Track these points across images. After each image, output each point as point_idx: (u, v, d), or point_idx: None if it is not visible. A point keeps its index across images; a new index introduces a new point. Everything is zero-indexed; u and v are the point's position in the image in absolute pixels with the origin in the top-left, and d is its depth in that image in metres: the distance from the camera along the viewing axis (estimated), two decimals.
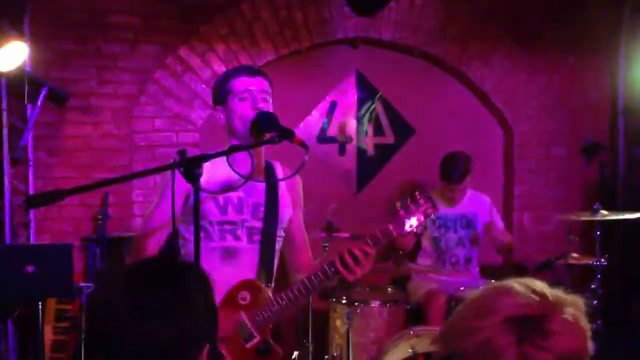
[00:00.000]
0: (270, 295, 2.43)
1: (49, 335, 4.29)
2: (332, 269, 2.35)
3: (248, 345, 2.36)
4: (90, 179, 4.57)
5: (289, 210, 2.56)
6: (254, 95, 2.42)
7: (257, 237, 2.46)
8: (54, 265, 3.93)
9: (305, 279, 2.39)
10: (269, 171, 2.55)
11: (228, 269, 2.40)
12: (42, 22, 4.53)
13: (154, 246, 2.38)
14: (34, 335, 4.19)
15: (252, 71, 2.48)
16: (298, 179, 2.59)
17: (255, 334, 2.36)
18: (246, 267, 2.43)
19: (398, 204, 2.40)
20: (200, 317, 1.37)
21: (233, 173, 2.36)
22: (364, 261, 2.33)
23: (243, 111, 2.42)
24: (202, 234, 2.37)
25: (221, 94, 2.47)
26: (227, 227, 2.43)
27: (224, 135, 2.54)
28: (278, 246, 2.54)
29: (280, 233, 2.54)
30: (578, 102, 5.64)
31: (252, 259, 2.45)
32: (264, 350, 2.36)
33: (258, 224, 2.46)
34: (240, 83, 2.44)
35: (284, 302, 2.38)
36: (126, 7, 4.78)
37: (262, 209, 2.48)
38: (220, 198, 2.43)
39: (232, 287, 2.38)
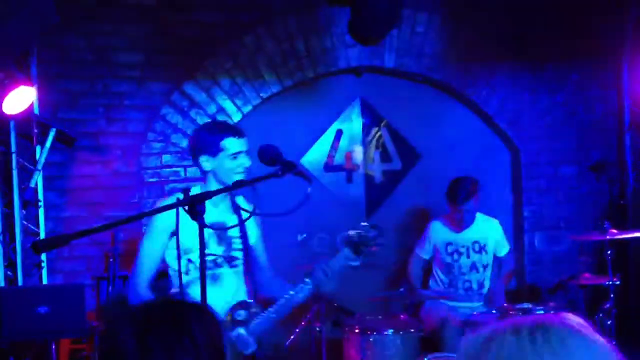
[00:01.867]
0: (261, 310, 2.87)
1: None
2: (308, 284, 2.85)
3: (247, 353, 2.78)
4: (101, 217, 4.61)
5: (254, 234, 3.05)
6: (242, 154, 2.86)
7: (236, 262, 2.95)
8: (66, 305, 3.96)
9: (286, 295, 2.86)
10: (235, 206, 3.01)
11: (215, 292, 2.74)
12: (49, 63, 4.61)
13: (148, 283, 2.87)
14: None
15: (241, 133, 2.90)
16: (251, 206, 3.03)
17: (252, 344, 2.79)
18: (232, 287, 2.91)
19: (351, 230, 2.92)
20: (202, 353, 1.39)
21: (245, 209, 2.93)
22: (333, 276, 2.86)
23: (233, 168, 2.84)
24: (191, 266, 2.85)
25: (213, 148, 2.85)
26: (210, 258, 2.83)
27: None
28: (254, 268, 3.03)
29: (253, 259, 3.03)
30: (584, 119, 5.64)
31: (237, 280, 2.95)
32: (261, 357, 2.84)
33: (235, 253, 2.95)
34: (234, 144, 2.85)
35: (273, 315, 2.83)
36: (131, 44, 4.85)
37: (238, 240, 2.95)
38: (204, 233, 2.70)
39: (229, 309, 2.82)
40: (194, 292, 2.71)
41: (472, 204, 4.52)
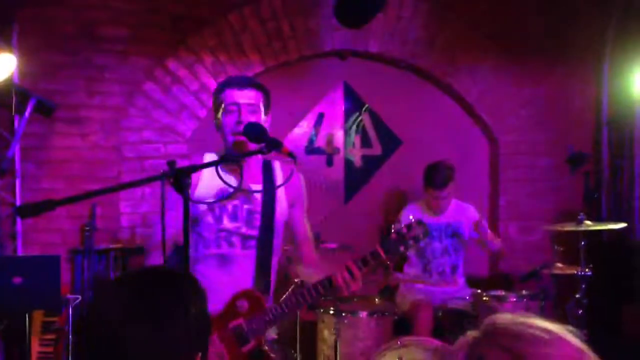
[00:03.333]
0: (267, 304, 2.54)
1: (35, 347, 4.25)
2: (330, 283, 2.48)
3: (243, 350, 2.47)
4: (79, 191, 4.51)
5: (285, 214, 2.64)
6: (240, 108, 2.49)
7: (251, 244, 2.55)
8: (41, 277, 3.91)
9: (301, 291, 2.52)
10: (267, 174, 2.62)
11: (223, 276, 2.52)
12: (31, 34, 4.54)
13: (158, 259, 2.48)
14: (20, 347, 4.17)
15: (241, 83, 2.54)
16: (299, 176, 2.68)
17: (250, 339, 2.48)
18: (241, 273, 2.55)
19: (393, 228, 2.54)
20: (193, 324, 1.39)
21: (230, 184, 2.45)
22: (358, 278, 2.48)
23: (228, 124, 2.51)
24: (199, 241, 2.53)
25: (215, 105, 2.57)
26: (222, 234, 2.52)
27: (212, 146, 2.59)
28: (276, 255, 2.63)
29: (278, 242, 2.63)
30: (563, 112, 5.71)
31: (247, 266, 2.55)
32: (258, 355, 2.50)
33: (252, 232, 2.55)
34: (229, 96, 2.51)
35: (278, 312, 2.50)
36: (115, 18, 4.80)
37: (258, 216, 2.56)
38: (216, 207, 2.49)
39: (233, 296, 2.50)
40: (202, 272, 2.49)
41: (448, 190, 4.57)
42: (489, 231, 4.68)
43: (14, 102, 4.40)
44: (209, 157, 2.57)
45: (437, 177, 4.54)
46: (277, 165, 2.66)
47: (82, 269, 4.49)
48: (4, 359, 4.38)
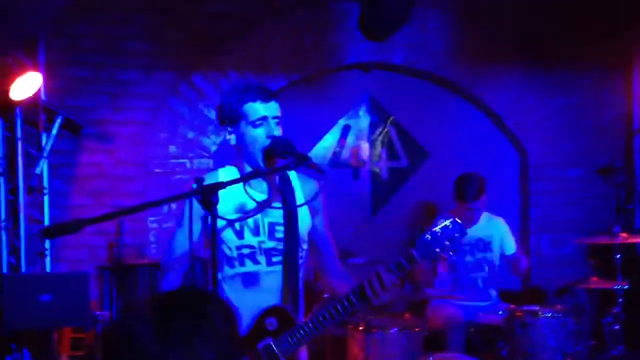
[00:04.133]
0: (297, 320, 2.42)
1: None
2: (359, 294, 2.35)
3: None
4: (106, 206, 4.57)
5: (307, 222, 2.53)
6: (268, 121, 2.41)
7: (277, 259, 2.45)
8: (70, 294, 3.93)
9: (331, 305, 2.39)
10: (285, 185, 2.50)
11: (250, 294, 2.42)
12: (57, 50, 4.57)
13: (176, 276, 2.45)
14: None
15: (266, 96, 2.44)
16: (316, 185, 2.54)
17: (282, 359, 2.37)
18: (269, 291, 2.44)
19: (426, 230, 2.37)
20: (223, 347, 1.35)
21: (247, 196, 2.37)
22: (390, 286, 2.33)
23: (256, 138, 2.40)
24: (224, 261, 2.43)
25: (233, 116, 2.44)
26: (245, 251, 2.43)
27: (235, 159, 2.53)
28: (303, 268, 2.52)
29: (302, 253, 2.51)
30: (593, 122, 5.60)
31: (274, 282, 2.45)
32: None
33: (277, 245, 2.45)
34: (256, 109, 2.41)
35: (309, 328, 2.37)
36: (139, 33, 4.81)
37: (281, 228, 2.46)
38: (237, 222, 2.43)
39: (260, 314, 2.39)
40: (228, 293, 2.40)
41: (480, 203, 4.49)
42: (523, 263, 4.59)
43: (41, 119, 4.41)
44: (226, 171, 2.50)
45: (469, 189, 4.45)
46: (294, 176, 2.55)
47: (111, 285, 4.48)
48: None
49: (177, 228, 2.48)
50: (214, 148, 4.97)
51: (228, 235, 2.42)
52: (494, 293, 4.64)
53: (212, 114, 4.94)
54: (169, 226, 4.80)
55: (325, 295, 3.93)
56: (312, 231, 2.55)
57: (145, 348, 1.31)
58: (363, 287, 2.33)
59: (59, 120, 4.40)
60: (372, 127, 5.45)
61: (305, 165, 2.31)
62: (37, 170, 4.38)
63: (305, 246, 2.52)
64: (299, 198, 2.50)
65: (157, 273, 4.47)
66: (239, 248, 2.43)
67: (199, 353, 1.31)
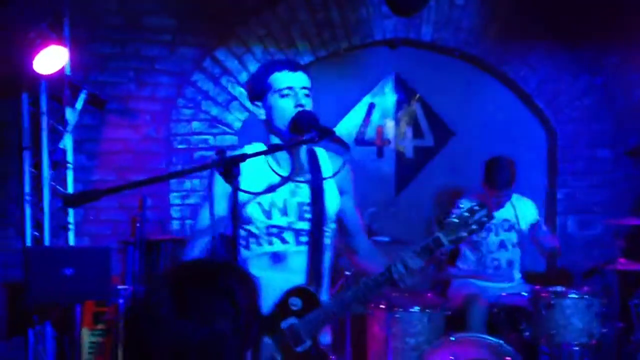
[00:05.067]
0: (321, 301, 2.39)
1: (86, 337, 4.29)
2: (385, 278, 2.32)
3: (299, 350, 2.33)
4: (129, 182, 4.57)
5: (336, 202, 2.49)
6: (296, 92, 2.36)
7: (304, 239, 2.41)
8: (92, 268, 3.95)
9: (355, 287, 2.36)
10: (314, 164, 2.47)
11: (277, 274, 2.38)
12: (81, 26, 4.56)
13: (200, 249, 2.41)
14: (71, 337, 4.21)
15: (293, 66, 2.40)
16: (342, 161, 2.49)
17: (306, 339, 2.33)
18: (295, 270, 2.40)
19: (454, 212, 2.34)
20: (242, 319, 1.33)
21: (280, 174, 2.33)
22: (416, 270, 2.30)
23: (284, 108, 2.35)
24: (251, 239, 2.40)
25: (260, 89, 2.40)
26: (274, 231, 2.40)
27: (262, 136, 2.49)
28: (331, 249, 2.49)
29: (328, 231, 2.47)
30: (623, 102, 5.47)
31: (301, 262, 2.41)
32: (315, 356, 2.34)
33: (305, 226, 2.42)
34: (282, 79, 2.36)
35: (333, 309, 2.35)
36: (163, 8, 4.78)
37: (308, 208, 2.42)
38: (265, 202, 2.39)
39: (284, 294, 2.35)
40: (254, 271, 2.32)
41: (511, 190, 4.40)
42: (547, 233, 4.50)
43: (65, 94, 4.42)
44: (252, 147, 2.43)
45: (500, 176, 4.34)
46: (321, 153, 2.51)
47: (133, 260, 4.49)
48: (55, 348, 4.43)
49: (204, 202, 2.46)
50: (237, 125, 4.94)
51: (256, 215, 2.38)
52: (518, 274, 4.58)
53: (236, 90, 4.91)
54: (191, 203, 4.80)
55: (347, 273, 3.89)
56: (341, 211, 2.50)
57: (163, 318, 1.31)
58: (390, 271, 2.30)
59: (83, 95, 4.40)
60: (398, 104, 5.37)
61: (329, 139, 2.26)
62: (61, 145, 4.39)
63: (333, 226, 2.48)
64: (326, 175, 2.45)
65: (179, 249, 4.49)
66: (267, 228, 2.39)
67: (215, 325, 1.30)
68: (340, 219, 2.52)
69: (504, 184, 4.35)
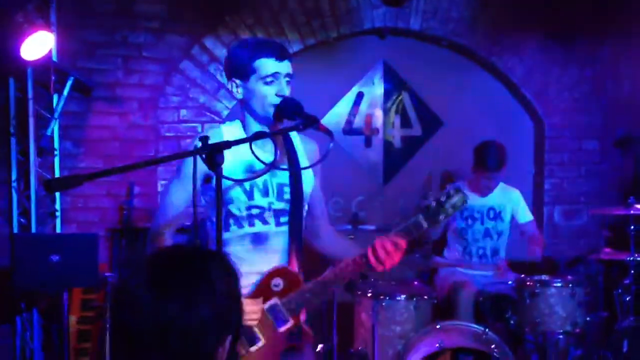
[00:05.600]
0: (302, 281, 2.42)
1: (74, 324, 4.30)
2: (364, 260, 2.35)
3: (280, 329, 2.37)
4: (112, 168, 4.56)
5: (311, 183, 2.52)
6: (280, 80, 2.36)
7: (284, 220, 2.44)
8: (79, 255, 3.94)
9: (336, 269, 2.40)
10: (289, 147, 2.49)
11: (259, 254, 2.41)
12: (69, 12, 4.53)
13: (172, 234, 2.41)
14: (59, 324, 4.21)
15: (280, 53, 2.38)
16: (315, 146, 2.55)
17: (288, 319, 2.37)
18: (276, 251, 2.43)
19: (430, 196, 2.37)
20: (221, 304, 1.34)
21: (264, 161, 2.32)
22: (394, 253, 2.33)
23: (266, 95, 2.36)
24: (231, 221, 2.40)
25: (243, 70, 2.38)
26: (255, 212, 2.41)
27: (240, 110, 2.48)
28: (304, 229, 2.52)
29: (305, 214, 2.50)
30: (611, 94, 5.50)
31: (282, 242, 2.44)
32: (296, 334, 2.39)
33: (284, 206, 2.44)
34: (268, 66, 2.35)
35: (315, 290, 2.39)
36: None
37: (287, 189, 2.44)
38: (246, 182, 2.40)
39: (266, 275, 2.39)
40: (234, 253, 2.34)
41: (501, 173, 4.44)
42: (534, 236, 4.56)
43: (52, 80, 4.40)
44: (229, 127, 2.46)
45: (490, 158, 4.40)
46: (295, 138, 2.52)
47: (120, 248, 4.50)
48: (42, 336, 4.43)
49: (174, 180, 2.42)
50: (225, 112, 4.93)
51: (238, 195, 2.39)
52: (503, 263, 4.61)
53: (224, 78, 4.89)
54: None
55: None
56: (311, 194, 2.53)
57: (142, 302, 1.31)
58: (366, 255, 2.33)
59: (70, 82, 4.38)
60: (387, 94, 5.38)
61: (314, 128, 2.26)
62: (48, 132, 4.37)
63: (306, 207, 2.51)
64: (302, 159, 2.50)
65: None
66: (248, 208, 2.40)
67: (195, 309, 1.30)
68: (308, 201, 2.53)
69: (494, 165, 4.40)
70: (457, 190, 2.40)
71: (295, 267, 2.44)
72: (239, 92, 2.41)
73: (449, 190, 2.40)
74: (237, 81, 2.40)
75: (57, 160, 4.46)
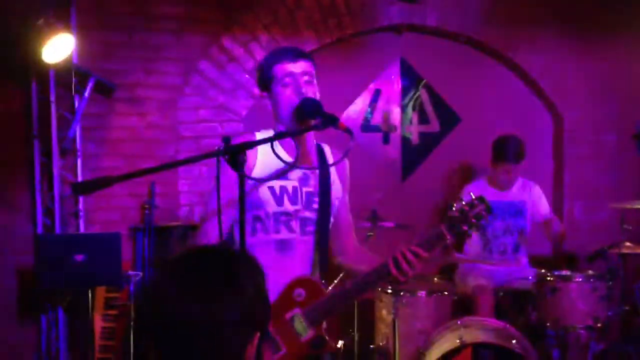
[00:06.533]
0: (325, 291, 2.41)
1: (98, 322, 4.36)
2: (385, 271, 2.34)
3: (303, 340, 2.36)
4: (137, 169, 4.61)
5: (339, 195, 2.53)
6: (296, 80, 2.38)
7: (310, 229, 2.44)
8: (103, 254, 4.00)
9: (358, 279, 2.40)
10: (321, 156, 2.51)
11: (283, 261, 2.40)
12: (88, 14, 4.58)
13: (211, 234, 2.38)
14: (83, 322, 4.27)
15: (293, 55, 2.41)
16: (345, 160, 2.56)
17: (310, 329, 2.36)
18: (300, 259, 2.43)
19: (454, 206, 2.36)
20: (248, 303, 1.35)
21: (285, 160, 2.33)
22: (416, 263, 2.32)
23: (286, 97, 2.38)
24: (258, 225, 2.40)
25: (265, 80, 2.44)
26: (282, 218, 2.41)
27: (269, 123, 2.52)
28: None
29: (330, 224, 2.51)
30: (629, 86, 5.47)
31: (307, 250, 2.44)
32: (318, 345, 2.38)
33: (311, 215, 2.44)
34: (282, 69, 2.39)
35: (337, 300, 2.38)
36: None
37: (316, 199, 2.45)
38: (277, 188, 2.41)
39: (288, 284, 2.38)
40: (260, 259, 2.33)
41: (519, 166, 4.44)
42: (556, 226, 4.55)
43: (73, 82, 4.46)
44: (263, 134, 2.43)
45: (510, 150, 4.40)
46: (327, 149, 2.54)
47: (143, 246, 4.55)
48: (67, 334, 4.49)
49: (213, 188, 2.37)
50: (244, 112, 4.96)
51: (267, 198, 2.40)
52: (523, 258, 4.61)
53: (243, 77, 4.93)
54: (199, 189, 4.84)
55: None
56: (338, 207, 2.53)
57: (170, 301, 1.32)
58: (387, 266, 2.32)
59: (91, 83, 4.43)
60: (404, 90, 5.38)
61: (334, 127, 2.28)
62: (70, 133, 4.43)
63: (331, 218, 2.51)
64: (332, 175, 2.50)
65: (188, 234, 4.53)
66: (276, 214, 2.40)
67: (222, 311, 1.32)
68: (335, 215, 2.53)
69: (513, 157, 4.40)
70: (481, 199, 2.38)
71: (317, 277, 2.44)
72: (268, 105, 2.46)
73: (472, 199, 2.37)
74: (265, 94, 2.45)
75: (79, 161, 4.52)
